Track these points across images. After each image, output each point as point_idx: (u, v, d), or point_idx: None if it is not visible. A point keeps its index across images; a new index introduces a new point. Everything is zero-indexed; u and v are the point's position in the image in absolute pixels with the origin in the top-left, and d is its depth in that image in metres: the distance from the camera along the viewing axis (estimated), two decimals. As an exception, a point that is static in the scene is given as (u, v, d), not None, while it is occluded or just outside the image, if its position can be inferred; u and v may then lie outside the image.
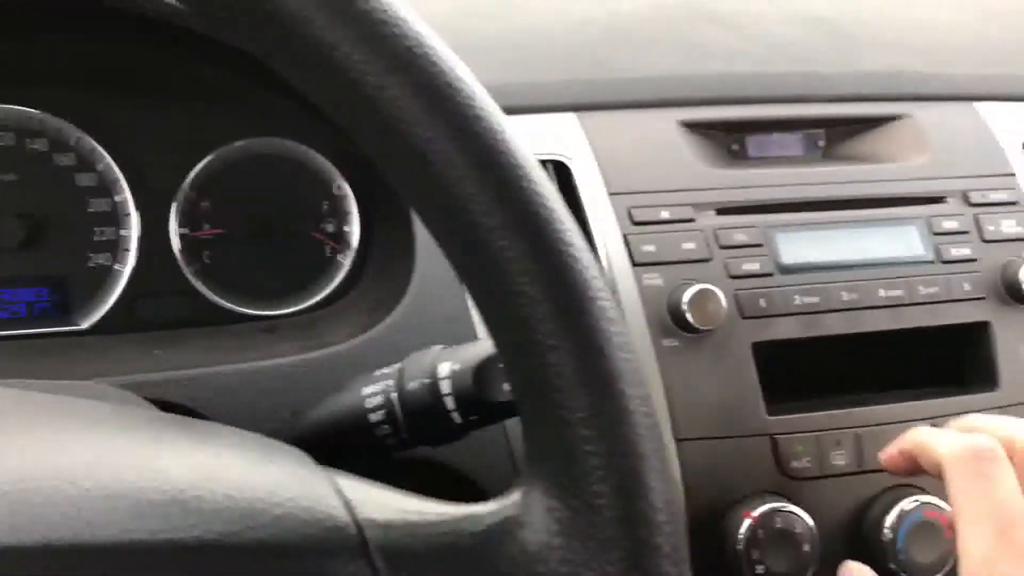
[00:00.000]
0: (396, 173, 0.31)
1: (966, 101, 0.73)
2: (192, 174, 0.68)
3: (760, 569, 0.57)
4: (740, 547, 0.57)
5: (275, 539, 0.30)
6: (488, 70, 0.68)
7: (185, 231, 0.68)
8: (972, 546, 0.41)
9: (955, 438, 0.44)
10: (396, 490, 0.33)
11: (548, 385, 0.31)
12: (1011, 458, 0.43)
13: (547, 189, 0.31)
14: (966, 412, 0.52)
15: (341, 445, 0.46)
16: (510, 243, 0.30)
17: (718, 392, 0.60)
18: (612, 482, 0.31)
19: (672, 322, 0.60)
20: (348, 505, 0.31)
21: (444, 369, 0.43)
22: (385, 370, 0.45)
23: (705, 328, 0.59)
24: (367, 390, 0.45)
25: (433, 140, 0.30)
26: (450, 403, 0.43)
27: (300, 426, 0.48)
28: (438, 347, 0.45)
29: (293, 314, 0.68)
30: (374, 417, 0.44)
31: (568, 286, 0.31)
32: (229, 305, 0.68)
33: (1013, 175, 0.70)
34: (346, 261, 0.70)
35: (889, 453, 0.49)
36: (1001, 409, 0.63)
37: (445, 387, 0.43)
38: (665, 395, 0.59)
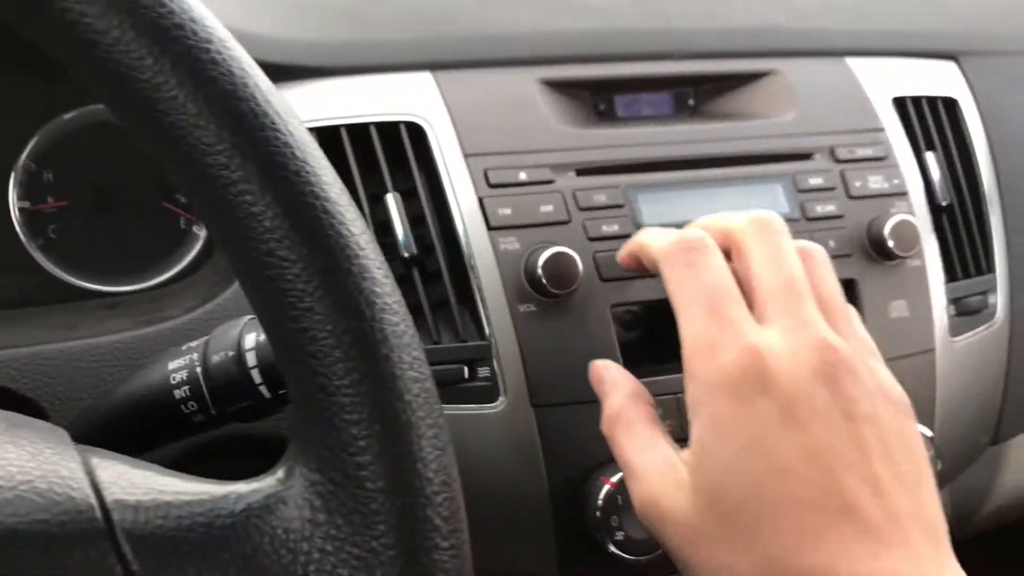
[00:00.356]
0: (130, 124, 0.29)
1: (837, 56, 0.72)
2: (31, 144, 0.64)
3: (619, 536, 0.56)
4: (599, 513, 0.56)
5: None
6: (337, 26, 0.66)
7: (26, 204, 0.64)
8: (689, 329, 0.44)
9: (666, 234, 0.48)
10: (158, 469, 0.31)
11: (304, 351, 0.29)
12: (729, 245, 0.46)
13: (298, 140, 0.29)
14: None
15: (149, 424, 0.43)
16: (254, 198, 0.28)
17: (576, 356, 0.58)
18: (375, 452, 0.29)
19: (529, 286, 0.58)
20: (96, 486, 0.29)
21: (250, 340, 0.41)
22: (192, 344, 0.43)
23: (561, 292, 0.58)
24: (172, 365, 0.42)
25: (162, 86, 0.27)
26: (257, 376, 0.40)
27: (105, 405, 0.45)
28: (247, 317, 0.42)
29: (144, 289, 0.64)
30: (179, 393, 0.41)
31: (321, 243, 0.29)
32: (77, 282, 0.64)
33: (882, 130, 0.69)
34: (202, 232, 0.66)
35: (621, 255, 0.53)
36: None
37: (251, 359, 0.40)
38: (522, 361, 0.58)
